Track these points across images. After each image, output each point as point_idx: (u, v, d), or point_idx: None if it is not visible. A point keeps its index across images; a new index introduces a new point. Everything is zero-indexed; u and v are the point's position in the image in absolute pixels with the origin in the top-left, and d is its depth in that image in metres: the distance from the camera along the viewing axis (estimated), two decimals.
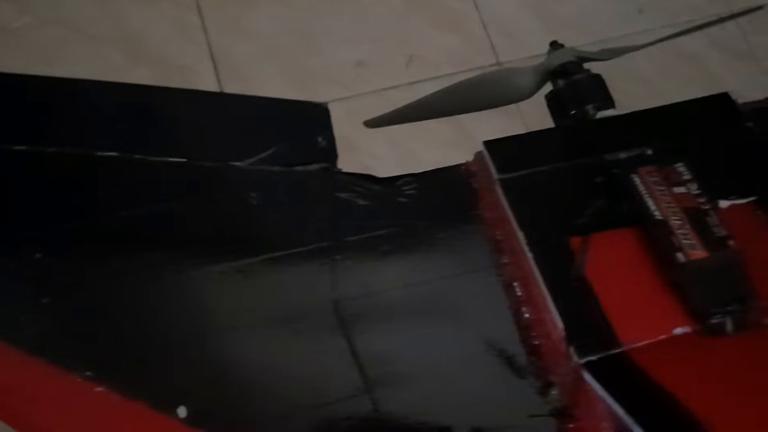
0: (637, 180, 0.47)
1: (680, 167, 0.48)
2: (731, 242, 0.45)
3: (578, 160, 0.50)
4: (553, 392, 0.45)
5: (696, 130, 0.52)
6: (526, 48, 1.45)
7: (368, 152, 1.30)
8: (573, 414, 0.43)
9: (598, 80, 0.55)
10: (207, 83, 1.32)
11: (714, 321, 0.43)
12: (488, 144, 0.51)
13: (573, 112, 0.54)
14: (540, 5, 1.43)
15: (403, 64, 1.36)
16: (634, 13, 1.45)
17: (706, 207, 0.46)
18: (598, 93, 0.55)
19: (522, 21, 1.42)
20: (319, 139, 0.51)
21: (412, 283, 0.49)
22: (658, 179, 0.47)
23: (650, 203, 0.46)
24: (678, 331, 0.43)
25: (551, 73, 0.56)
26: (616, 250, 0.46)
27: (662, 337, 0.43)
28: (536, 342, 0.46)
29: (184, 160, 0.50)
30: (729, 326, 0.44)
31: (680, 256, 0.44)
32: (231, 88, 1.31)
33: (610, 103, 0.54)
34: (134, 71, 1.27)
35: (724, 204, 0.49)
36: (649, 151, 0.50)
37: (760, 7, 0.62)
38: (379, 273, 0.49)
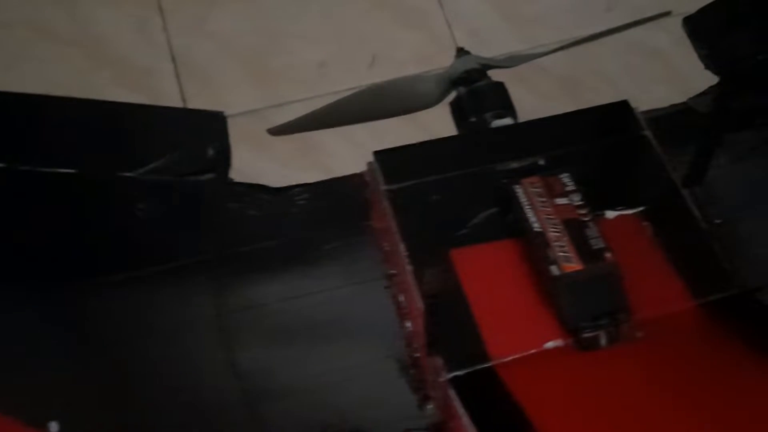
0: (519, 191, 0.47)
1: (564, 178, 0.47)
2: (608, 255, 0.44)
3: (469, 169, 0.50)
4: (429, 407, 0.45)
5: (591, 138, 0.51)
6: (490, 46, 1.43)
7: (328, 151, 1.31)
8: (445, 430, 0.43)
9: (499, 88, 0.55)
10: (167, 85, 1.32)
11: (586, 335, 0.43)
12: (378, 154, 0.50)
13: (473, 120, 0.54)
14: (505, 3, 1.43)
15: (366, 64, 1.35)
16: (602, 10, 1.44)
17: (586, 218, 0.45)
18: (498, 101, 0.54)
19: (487, 19, 1.41)
20: (209, 149, 0.51)
21: (298, 295, 0.49)
22: (541, 190, 0.47)
23: (530, 214, 0.46)
24: (549, 345, 0.43)
25: (455, 81, 0.56)
26: (494, 263, 0.46)
27: (533, 351, 0.43)
28: (416, 355, 0.46)
29: (73, 171, 0.50)
30: (603, 340, 0.44)
31: (554, 268, 0.44)
32: (191, 89, 1.31)
33: (509, 111, 0.53)
34: (96, 73, 1.28)
35: (611, 214, 0.48)
36: (542, 161, 0.50)
37: (668, 13, 0.61)
38: (265, 285, 0.49)
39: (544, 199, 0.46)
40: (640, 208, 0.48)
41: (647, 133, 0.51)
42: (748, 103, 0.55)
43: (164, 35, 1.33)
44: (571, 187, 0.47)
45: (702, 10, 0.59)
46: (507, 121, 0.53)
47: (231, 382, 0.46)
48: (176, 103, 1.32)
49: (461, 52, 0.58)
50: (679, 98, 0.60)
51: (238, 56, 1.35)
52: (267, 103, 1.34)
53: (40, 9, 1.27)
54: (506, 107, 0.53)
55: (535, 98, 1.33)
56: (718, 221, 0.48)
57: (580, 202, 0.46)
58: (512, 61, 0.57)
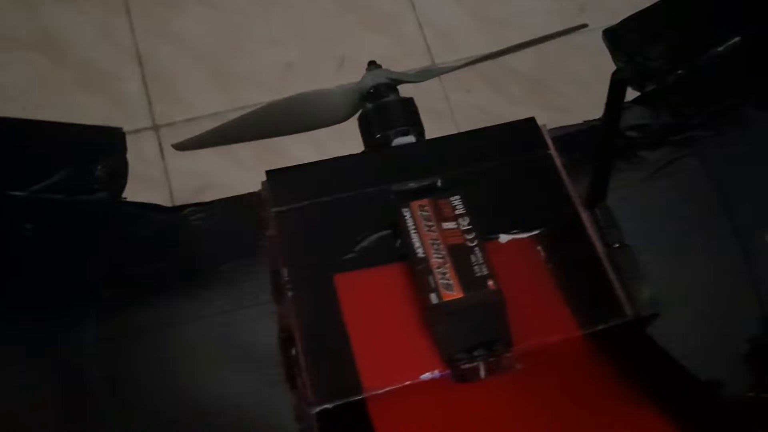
0: (406, 214, 0.45)
1: (455, 200, 0.46)
2: (490, 282, 0.42)
3: (362, 190, 0.48)
4: None
5: (494, 158, 0.50)
6: (462, 50, 1.42)
7: (293, 156, 1.30)
8: None
9: (406, 104, 0.53)
10: (132, 87, 1.31)
11: (463, 366, 0.42)
12: (272, 173, 0.49)
13: (378, 136, 0.52)
14: (477, 5, 1.41)
15: (334, 66, 1.34)
16: (575, 11, 1.42)
17: (473, 244, 0.44)
18: (403, 118, 0.52)
19: (459, 22, 1.39)
20: (102, 167, 0.50)
21: (186, 319, 0.48)
22: (430, 213, 0.45)
23: (415, 239, 0.44)
24: (426, 376, 0.41)
25: (364, 96, 0.54)
26: (378, 289, 0.44)
27: (408, 383, 0.41)
28: (298, 383, 0.45)
29: None
30: (482, 371, 0.42)
31: (434, 296, 0.42)
32: (156, 91, 1.30)
33: (414, 129, 0.52)
34: (58, 76, 1.27)
35: (504, 238, 0.47)
36: (439, 182, 0.48)
37: (584, 26, 0.60)
38: (153, 309, 0.48)
39: (431, 223, 0.45)
40: (536, 232, 0.46)
41: (552, 152, 0.50)
42: (660, 121, 0.53)
43: (130, 38, 1.32)
44: (460, 210, 0.45)
45: (623, 23, 0.58)
46: (409, 139, 0.51)
47: (113, 408, 0.45)
48: (142, 105, 1.32)
49: (372, 65, 0.56)
50: None
51: (203, 59, 1.34)
52: (232, 105, 1.33)
53: (2, 11, 1.26)
54: (412, 124, 0.52)
55: (503, 102, 1.32)
56: (617, 245, 0.47)
57: (468, 227, 0.44)
58: (423, 75, 0.56)
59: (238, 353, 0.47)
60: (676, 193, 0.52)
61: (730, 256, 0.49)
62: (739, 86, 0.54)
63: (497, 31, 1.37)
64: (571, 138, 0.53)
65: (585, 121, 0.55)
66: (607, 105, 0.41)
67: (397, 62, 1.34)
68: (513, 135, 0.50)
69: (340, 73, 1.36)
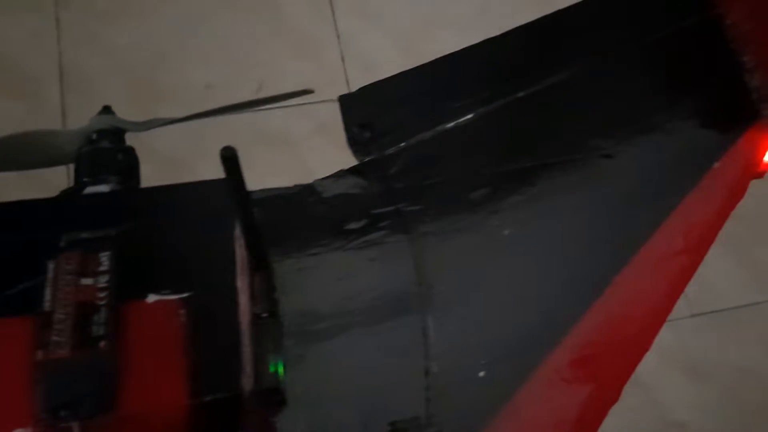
0: (51, 266, 0.46)
1: (103, 256, 0.46)
2: (103, 343, 0.43)
3: (38, 234, 0.49)
4: None
5: (173, 216, 0.50)
6: None
7: (198, 175, 1.31)
8: None
9: (117, 153, 0.54)
10: (51, 95, 1.34)
11: (57, 426, 0.42)
12: None
13: (85, 180, 0.53)
14: (405, 40, 1.41)
15: (252, 89, 1.35)
16: None
17: (101, 302, 0.44)
18: (105, 166, 0.53)
19: (384, 56, 1.40)
20: None
21: None
22: (74, 267, 0.46)
23: (47, 292, 0.44)
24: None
25: (88, 139, 0.55)
26: (3, 340, 0.45)
27: None
28: None
29: None
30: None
31: (40, 353, 0.42)
32: (73, 101, 1.32)
33: (118, 179, 0.52)
34: None
35: (152, 298, 0.47)
36: (113, 233, 0.49)
37: (311, 91, 0.60)
38: None
39: (71, 277, 0.45)
40: (185, 295, 0.46)
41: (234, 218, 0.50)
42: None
43: (57, 47, 1.35)
44: (104, 267, 0.45)
45: (360, 90, 0.58)
46: (102, 188, 0.51)
47: None
48: (56, 113, 1.35)
49: (104, 110, 0.57)
50: None
51: (126, 73, 1.36)
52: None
53: None
54: (114, 173, 0.52)
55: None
56: (265, 315, 0.47)
57: (104, 284, 0.45)
58: (149, 125, 0.56)
59: None
60: (375, 267, 0.52)
61: (403, 339, 0.48)
62: (459, 165, 0.54)
63: None
64: (283, 200, 0.53)
65: (296, 185, 0.54)
66: (227, 182, 0.41)
67: (318, 92, 1.36)
68: (209, 193, 0.51)
69: (258, 96, 1.37)
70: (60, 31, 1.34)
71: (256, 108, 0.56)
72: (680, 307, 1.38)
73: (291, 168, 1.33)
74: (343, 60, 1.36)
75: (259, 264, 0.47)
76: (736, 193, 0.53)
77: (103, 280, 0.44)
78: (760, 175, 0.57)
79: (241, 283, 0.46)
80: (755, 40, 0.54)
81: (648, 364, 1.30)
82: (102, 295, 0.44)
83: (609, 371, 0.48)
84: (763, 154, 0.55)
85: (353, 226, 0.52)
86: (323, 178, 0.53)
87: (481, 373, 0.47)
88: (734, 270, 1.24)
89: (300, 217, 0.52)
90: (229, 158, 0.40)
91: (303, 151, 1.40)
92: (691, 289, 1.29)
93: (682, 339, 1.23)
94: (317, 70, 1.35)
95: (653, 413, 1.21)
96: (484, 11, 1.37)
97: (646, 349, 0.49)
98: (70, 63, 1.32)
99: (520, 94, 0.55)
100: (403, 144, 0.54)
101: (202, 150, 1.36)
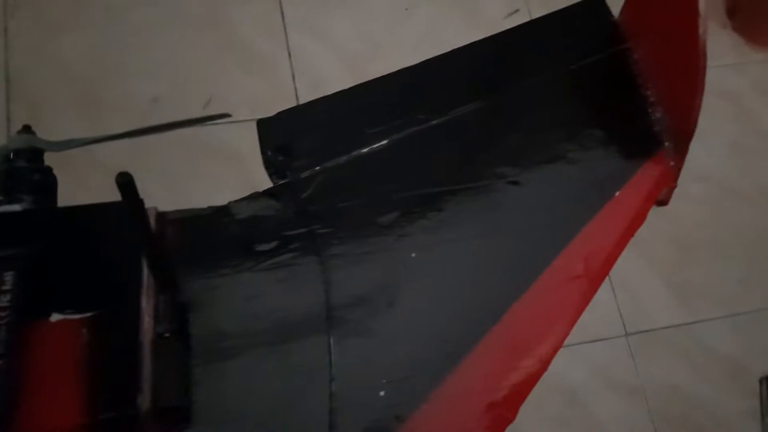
0: None
1: (7, 275, 0.46)
2: (1, 362, 0.43)
3: None
4: None
5: (94, 235, 0.50)
6: None
7: (144, 188, 1.31)
8: None
9: (33, 173, 0.54)
10: None
11: None
12: None
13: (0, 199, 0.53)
14: (353, 59, 1.42)
15: (201, 104, 1.36)
16: None
17: (2, 322, 0.45)
18: (21, 186, 0.53)
19: (332, 73, 1.41)
20: None
21: None
22: None
23: None
24: None
25: (6, 158, 0.55)
26: None
27: None
28: None
29: None
30: None
31: None
32: (18, 110, 1.31)
33: (32, 198, 0.52)
34: None
35: (56, 317, 0.48)
36: (21, 252, 0.49)
37: (228, 115, 0.61)
38: None
39: None
40: (88, 314, 0.47)
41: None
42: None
43: (3, 55, 1.34)
44: (7, 286, 0.46)
45: (278, 114, 0.59)
46: (14, 207, 0.52)
47: None
48: (0, 121, 1.34)
49: (25, 129, 0.57)
50: None
51: (73, 84, 1.36)
52: (91, 132, 1.35)
53: None
54: (28, 193, 0.53)
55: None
56: (167, 335, 0.47)
57: (7, 304, 0.45)
58: (68, 144, 0.57)
59: None
60: (284, 288, 0.53)
61: (308, 359, 0.49)
62: (372, 189, 0.55)
63: None
64: (197, 220, 0.54)
65: (209, 206, 0.55)
66: (125, 207, 0.42)
67: (264, 106, 1.37)
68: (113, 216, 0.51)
69: (206, 111, 1.38)
70: (7, 40, 1.33)
71: (171, 129, 0.57)
72: (617, 327, 1.41)
73: (239, 182, 1.33)
74: (293, 77, 1.37)
75: (165, 284, 0.48)
76: (636, 220, 0.55)
77: (5, 300, 0.45)
78: (663, 203, 0.59)
79: (146, 303, 0.47)
80: (657, 76, 0.57)
81: (584, 382, 1.31)
82: (3, 314, 0.44)
83: (507, 391, 0.50)
84: (664, 184, 0.57)
85: (264, 247, 0.53)
86: (237, 200, 0.54)
87: (382, 393, 0.49)
88: (664, 292, 1.28)
89: (213, 238, 0.53)
90: (125, 184, 0.41)
91: (252, 165, 1.41)
92: (627, 310, 1.32)
93: (618, 357, 1.26)
94: (268, 86, 1.36)
95: (590, 430, 1.24)
96: (429, 33, 1.39)
97: (543, 369, 0.51)
98: (16, 72, 1.32)
99: (434, 122, 0.57)
100: (318, 168, 0.55)
101: (149, 163, 1.37)
